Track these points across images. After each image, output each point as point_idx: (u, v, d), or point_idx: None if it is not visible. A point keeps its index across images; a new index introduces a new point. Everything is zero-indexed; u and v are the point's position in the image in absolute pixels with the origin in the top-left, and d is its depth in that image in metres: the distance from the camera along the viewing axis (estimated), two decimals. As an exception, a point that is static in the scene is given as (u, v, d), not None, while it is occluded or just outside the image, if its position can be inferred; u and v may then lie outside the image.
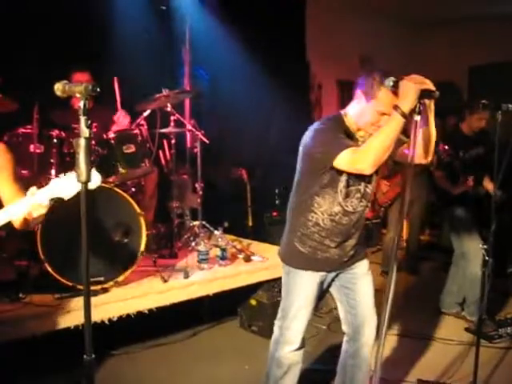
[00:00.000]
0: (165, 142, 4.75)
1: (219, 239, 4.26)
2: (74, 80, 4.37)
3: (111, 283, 3.61)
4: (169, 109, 4.33)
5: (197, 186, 4.68)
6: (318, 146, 2.46)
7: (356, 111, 2.52)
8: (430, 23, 8.53)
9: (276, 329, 2.78)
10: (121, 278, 3.65)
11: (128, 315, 3.53)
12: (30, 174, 3.67)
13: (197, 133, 4.51)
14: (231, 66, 6.23)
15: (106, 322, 3.41)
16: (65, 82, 1.73)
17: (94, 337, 1.68)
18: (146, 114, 4.10)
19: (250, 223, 5.97)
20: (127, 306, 3.55)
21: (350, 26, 8.14)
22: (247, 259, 4.31)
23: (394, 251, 2.15)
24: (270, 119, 6.96)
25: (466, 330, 4.39)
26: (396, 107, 2.21)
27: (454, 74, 8.40)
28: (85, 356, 1.73)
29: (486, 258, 3.38)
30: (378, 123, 2.43)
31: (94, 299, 3.45)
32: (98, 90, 1.65)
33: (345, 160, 2.34)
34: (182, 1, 5.77)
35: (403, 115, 2.19)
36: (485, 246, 3.40)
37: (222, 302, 4.20)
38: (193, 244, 4.46)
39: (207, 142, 4.62)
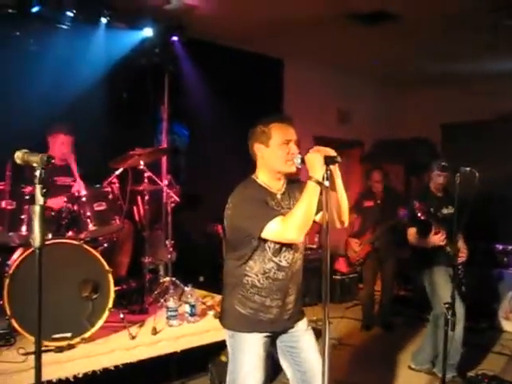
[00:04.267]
0: (139, 198, 4.84)
1: (189, 296, 4.30)
2: (55, 140, 4.54)
3: (78, 339, 3.63)
4: (142, 167, 4.44)
5: (167, 242, 4.74)
6: (242, 220, 2.56)
7: (265, 165, 2.67)
8: (405, 81, 8.79)
9: None
10: (88, 334, 3.67)
11: (94, 372, 3.53)
12: (1, 230, 3.73)
13: (168, 191, 4.62)
14: (210, 123, 6.39)
15: (71, 379, 3.41)
16: (24, 150, 1.85)
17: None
18: (117, 172, 4.20)
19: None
20: (93, 362, 3.55)
21: (327, 83, 8.40)
22: (217, 316, 4.33)
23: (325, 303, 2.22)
24: (248, 175, 7.08)
25: (437, 387, 4.42)
26: (310, 177, 2.42)
27: (428, 131, 8.63)
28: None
29: (448, 316, 3.44)
30: (291, 153, 2.60)
31: (59, 355, 3.48)
32: (53, 161, 1.77)
33: (273, 233, 2.47)
34: (163, 57, 5.92)
35: (317, 182, 2.40)
36: (447, 305, 3.47)
37: (192, 358, 4.19)
38: (162, 300, 4.49)
39: (177, 199, 4.71)
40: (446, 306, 3.43)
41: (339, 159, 2.41)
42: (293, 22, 5.98)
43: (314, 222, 2.65)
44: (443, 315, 4.36)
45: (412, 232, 4.72)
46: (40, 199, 1.76)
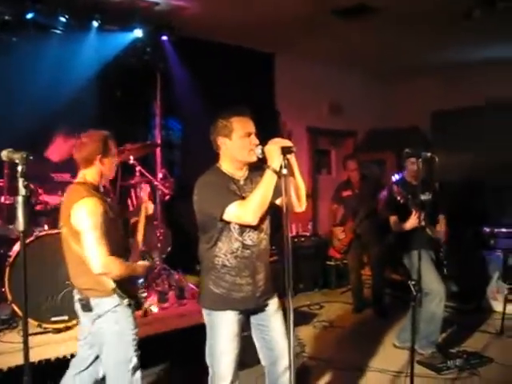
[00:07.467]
0: (132, 191, 5.08)
1: (178, 280, 4.58)
2: (54, 140, 4.79)
3: (74, 322, 3.88)
4: (132, 161, 4.69)
5: (157, 232, 5.01)
6: (206, 204, 2.80)
7: (229, 155, 2.89)
8: (393, 72, 8.90)
9: (209, 367, 2.95)
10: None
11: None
12: (1, 223, 4.03)
13: (156, 183, 4.88)
14: (202, 117, 6.50)
15: (69, 356, 3.64)
16: (9, 149, 2.13)
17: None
18: (107, 166, 4.46)
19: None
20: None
21: (318, 76, 8.54)
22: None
23: (288, 285, 2.46)
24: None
25: (418, 362, 4.63)
26: (268, 166, 2.66)
27: (419, 120, 8.75)
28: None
29: (414, 292, 3.67)
30: (253, 143, 2.81)
31: (57, 336, 3.80)
32: (31, 157, 2.04)
33: (231, 214, 2.72)
34: (153, 56, 6.11)
35: (274, 171, 2.64)
36: (413, 282, 3.69)
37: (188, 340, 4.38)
38: (154, 285, 4.77)
39: (168, 192, 4.97)
40: (413, 282, 3.64)
41: (294, 149, 2.65)
42: (281, 18, 6.16)
43: (275, 205, 2.90)
44: (426, 295, 4.61)
45: (393, 219, 4.88)
46: (22, 190, 2.03)
